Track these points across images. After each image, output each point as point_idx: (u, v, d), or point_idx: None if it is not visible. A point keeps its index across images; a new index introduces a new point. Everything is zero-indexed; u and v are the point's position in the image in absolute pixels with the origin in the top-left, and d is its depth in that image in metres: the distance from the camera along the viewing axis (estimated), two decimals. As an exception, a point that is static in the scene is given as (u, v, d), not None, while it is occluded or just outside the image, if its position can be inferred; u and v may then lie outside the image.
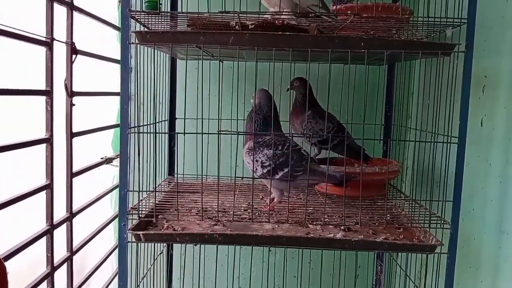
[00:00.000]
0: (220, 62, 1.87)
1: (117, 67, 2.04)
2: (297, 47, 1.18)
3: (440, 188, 1.35)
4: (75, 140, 1.48)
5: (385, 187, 1.68)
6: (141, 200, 1.38)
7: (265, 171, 1.42)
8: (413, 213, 1.47)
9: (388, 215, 1.52)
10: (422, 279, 1.41)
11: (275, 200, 1.51)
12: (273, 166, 1.40)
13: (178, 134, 1.92)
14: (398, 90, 1.88)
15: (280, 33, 1.18)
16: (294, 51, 1.19)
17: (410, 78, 1.95)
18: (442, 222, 1.27)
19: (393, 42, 1.19)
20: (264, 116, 1.48)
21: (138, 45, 1.27)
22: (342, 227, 1.38)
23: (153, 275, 1.60)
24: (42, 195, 1.32)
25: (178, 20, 1.36)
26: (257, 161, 1.43)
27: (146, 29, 1.30)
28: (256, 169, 1.44)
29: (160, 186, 1.76)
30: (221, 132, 1.23)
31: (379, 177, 1.56)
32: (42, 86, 1.30)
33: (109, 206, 2.09)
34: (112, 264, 1.93)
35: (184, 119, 1.70)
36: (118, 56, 1.92)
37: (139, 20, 1.27)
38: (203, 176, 1.81)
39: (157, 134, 1.58)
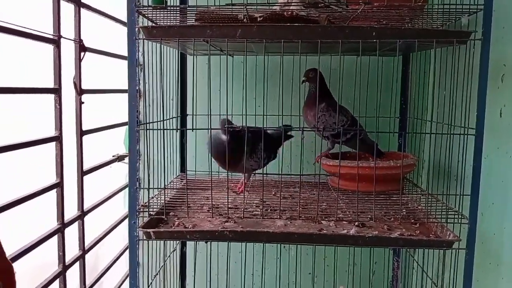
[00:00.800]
0: (230, 57, 1.85)
1: (126, 64, 2.04)
2: (307, 39, 1.15)
3: (458, 181, 1.30)
4: (86, 138, 1.48)
5: (400, 181, 1.64)
6: (152, 198, 1.37)
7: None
8: (429, 207, 1.42)
9: (404, 210, 1.48)
10: (440, 275, 1.36)
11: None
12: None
13: (189, 131, 1.91)
14: (413, 81, 1.83)
15: (288, 24, 1.15)
16: (303, 42, 1.16)
17: (426, 69, 1.89)
18: (460, 217, 1.22)
19: (406, 31, 1.14)
20: None
21: (145, 40, 1.26)
22: (356, 223, 1.35)
23: (165, 273, 1.59)
24: (53, 193, 1.32)
25: (187, 15, 1.34)
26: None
27: (153, 24, 1.28)
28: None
29: (172, 183, 1.75)
30: (229, 127, 1.20)
31: (394, 171, 1.51)
32: (51, 85, 1.30)
33: (122, 204, 2.10)
34: (125, 263, 1.93)
35: (193, 115, 1.68)
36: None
37: (145, 15, 1.25)
38: (215, 173, 1.80)
39: (169, 131, 1.57)
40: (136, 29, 1.18)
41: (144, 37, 1.20)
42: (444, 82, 1.28)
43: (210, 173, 1.28)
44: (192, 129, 1.27)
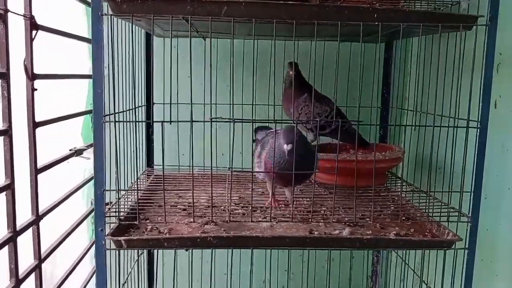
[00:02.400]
0: (203, 39, 1.69)
1: (83, 47, 1.82)
2: (302, 19, 1.02)
3: (445, 175, 1.24)
4: (38, 130, 1.27)
5: (386, 175, 1.56)
6: (119, 198, 1.19)
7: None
8: (419, 203, 1.35)
9: (392, 206, 1.41)
10: (425, 269, 1.31)
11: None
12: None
13: (155, 122, 1.74)
14: (396, 70, 1.75)
15: (282, 2, 1.01)
16: (298, 24, 1.03)
17: (407, 56, 1.83)
18: (459, 214, 1.15)
19: (411, 14, 1.04)
20: None
21: (112, 17, 1.08)
22: (346, 222, 1.25)
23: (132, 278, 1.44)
24: (2, 197, 1.12)
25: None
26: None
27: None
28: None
29: (138, 180, 1.58)
30: (214, 120, 1.06)
31: (382, 164, 1.43)
32: (-4, 68, 1.09)
33: (81, 202, 1.89)
34: (85, 268, 1.74)
35: (164, 104, 1.52)
36: (85, 34, 1.71)
37: (112, -13, 1.07)
38: (188, 167, 1.65)
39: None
40: (103, 3, 0.99)
41: (110, 13, 1.02)
42: (429, 71, 1.19)
43: (191, 167, 1.12)
44: (170, 122, 1.11)
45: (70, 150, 1.58)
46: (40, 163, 1.30)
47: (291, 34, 1.07)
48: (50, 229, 1.44)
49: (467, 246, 1.13)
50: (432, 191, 1.22)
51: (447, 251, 1.14)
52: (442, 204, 1.25)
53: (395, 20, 1.03)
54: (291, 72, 1.55)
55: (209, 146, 1.34)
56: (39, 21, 1.23)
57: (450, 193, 1.17)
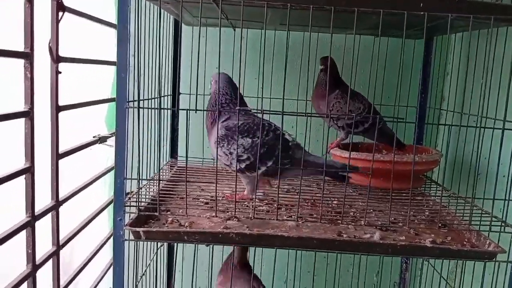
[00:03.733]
0: (232, 30, 1.63)
1: (111, 33, 1.79)
2: (341, 5, 0.95)
3: (487, 181, 1.14)
4: (61, 115, 1.24)
5: (422, 178, 1.47)
6: (141, 188, 1.15)
7: (243, 166, 1.16)
8: (456, 209, 1.26)
9: (427, 211, 1.32)
10: (458, 279, 1.21)
11: (245, 193, 1.28)
12: (253, 160, 1.14)
13: (182, 111, 1.70)
14: (435, 69, 1.65)
15: (320, -14, 0.94)
16: (336, 11, 0.95)
17: (448, 55, 1.72)
18: (503, 224, 1.06)
19: (461, 3, 0.95)
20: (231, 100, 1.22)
21: (140, 1, 1.03)
22: (378, 226, 1.17)
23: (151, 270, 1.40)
24: (21, 180, 1.09)
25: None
26: (231, 153, 1.16)
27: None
28: (231, 163, 1.17)
29: (161, 170, 1.54)
30: (243, 109, 1.00)
31: (418, 167, 1.34)
32: (21, 48, 1.06)
33: (102, 190, 1.87)
34: (103, 257, 1.71)
35: (190, 94, 1.46)
36: (114, 20, 1.68)
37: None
38: (212, 160, 1.60)
39: (158, 111, 1.36)
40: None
41: (140, -5, 0.97)
42: (473, 70, 1.10)
43: (203, 159, 1.06)
44: (196, 111, 1.05)
45: (93, 137, 1.56)
46: (62, 149, 1.28)
47: (327, 24, 1.00)
48: (70, 216, 1.42)
49: (510, 259, 1.04)
50: (471, 197, 1.12)
51: (487, 263, 1.06)
52: (483, 212, 1.16)
53: (442, 10, 0.95)
54: (322, 67, 1.48)
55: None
56: (67, 2, 1.20)
57: (493, 200, 1.08)
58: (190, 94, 1.62)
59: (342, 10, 0.97)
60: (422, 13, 0.95)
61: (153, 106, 1.05)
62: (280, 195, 1.41)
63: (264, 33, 1.03)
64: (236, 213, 1.17)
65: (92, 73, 1.66)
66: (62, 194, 1.30)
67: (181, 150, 1.76)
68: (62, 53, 1.20)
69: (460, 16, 0.95)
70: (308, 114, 1.06)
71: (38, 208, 1.17)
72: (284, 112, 1.00)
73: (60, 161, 1.26)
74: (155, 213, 1.10)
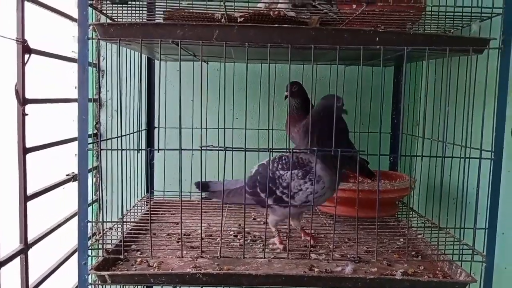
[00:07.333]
0: (204, 63, 1.65)
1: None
2: (298, 43, 0.96)
3: (457, 208, 1.14)
4: (30, 156, 1.23)
5: (396, 205, 1.47)
6: (105, 232, 1.12)
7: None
8: (430, 237, 1.26)
9: (401, 239, 1.31)
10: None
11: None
12: None
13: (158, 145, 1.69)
14: (406, 95, 1.68)
15: (276, 26, 0.96)
16: (293, 48, 0.97)
17: (417, 81, 1.75)
18: (473, 253, 1.06)
19: (416, 37, 0.97)
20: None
21: (109, 43, 1.04)
22: (351, 257, 1.16)
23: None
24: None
25: (155, 13, 1.14)
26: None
27: (109, 21, 1.07)
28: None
29: (135, 207, 1.52)
30: (205, 148, 0.99)
31: (390, 194, 1.34)
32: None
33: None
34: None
35: (165, 128, 1.45)
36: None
37: (102, 11, 1.03)
38: (185, 194, 1.58)
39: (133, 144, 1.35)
40: (89, 27, 0.95)
41: (99, 37, 0.98)
42: (439, 97, 1.12)
43: (180, 194, 1.05)
44: (158, 150, 1.05)
45: (66, 175, 1.54)
46: (31, 190, 1.26)
47: (292, 58, 1.01)
48: (39, 260, 1.39)
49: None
50: (444, 227, 1.12)
51: (460, 292, 1.04)
52: (455, 239, 1.15)
53: (398, 44, 0.97)
54: (286, 93, 1.49)
55: (213, 172, 1.27)
56: (33, 44, 1.21)
57: (462, 229, 1.08)
58: (165, 128, 1.61)
59: (300, 47, 0.98)
60: (378, 47, 0.96)
61: (116, 147, 1.03)
62: (255, 227, 1.40)
63: (224, 67, 1.04)
64: (206, 250, 1.15)
65: (61, 110, 1.64)
66: (31, 237, 1.27)
67: (157, 185, 1.74)
68: (28, 94, 1.19)
69: (416, 49, 0.97)
70: (272, 150, 1.06)
71: (4, 253, 1.15)
72: (247, 149, 1.00)
73: (33, 201, 1.25)
74: (120, 256, 1.07)
